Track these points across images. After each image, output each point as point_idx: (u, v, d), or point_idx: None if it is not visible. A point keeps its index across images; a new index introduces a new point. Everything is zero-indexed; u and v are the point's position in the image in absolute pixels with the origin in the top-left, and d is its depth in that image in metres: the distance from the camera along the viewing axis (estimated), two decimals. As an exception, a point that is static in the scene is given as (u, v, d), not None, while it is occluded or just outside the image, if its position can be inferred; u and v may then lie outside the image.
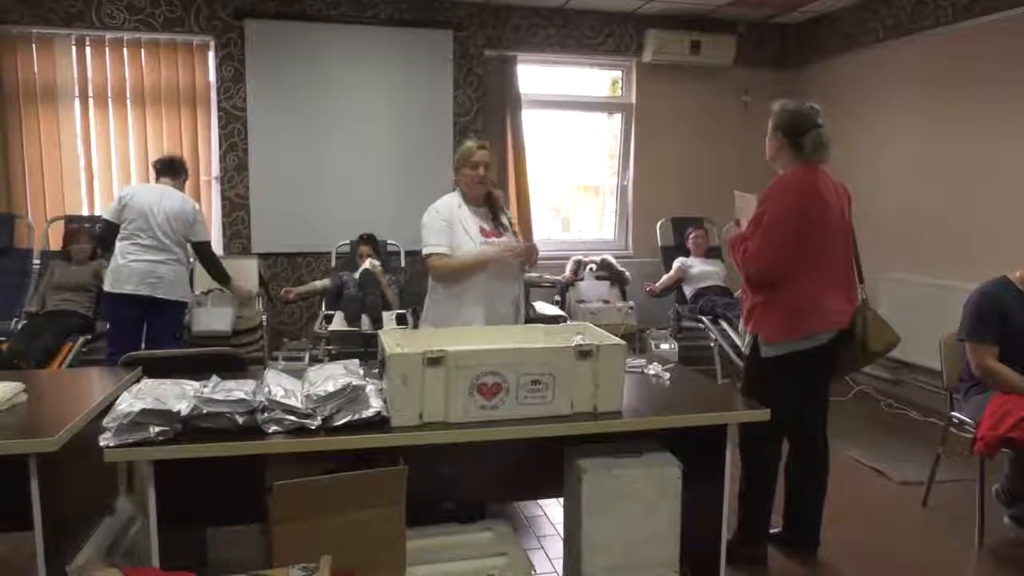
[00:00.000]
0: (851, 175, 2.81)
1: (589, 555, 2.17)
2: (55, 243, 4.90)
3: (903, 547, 2.93)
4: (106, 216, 3.95)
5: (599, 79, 6.32)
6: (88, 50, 5.13)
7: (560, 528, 2.88)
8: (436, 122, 5.60)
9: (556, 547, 2.79)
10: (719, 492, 2.25)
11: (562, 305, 5.28)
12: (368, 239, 5.07)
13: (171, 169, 4.12)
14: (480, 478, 2.54)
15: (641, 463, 2.20)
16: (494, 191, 3.10)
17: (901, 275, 4.98)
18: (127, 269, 3.84)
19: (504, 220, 3.11)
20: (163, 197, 3.97)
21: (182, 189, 4.16)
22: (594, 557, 2.17)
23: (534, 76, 5.98)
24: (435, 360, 1.99)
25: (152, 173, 4.20)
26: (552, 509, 3.14)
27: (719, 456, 2.24)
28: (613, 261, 5.64)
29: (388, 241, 5.36)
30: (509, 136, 5.77)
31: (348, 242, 5.28)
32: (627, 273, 5.65)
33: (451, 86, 5.60)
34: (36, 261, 4.90)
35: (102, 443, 1.82)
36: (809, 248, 2.51)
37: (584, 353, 2.09)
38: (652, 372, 2.60)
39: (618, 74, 6.22)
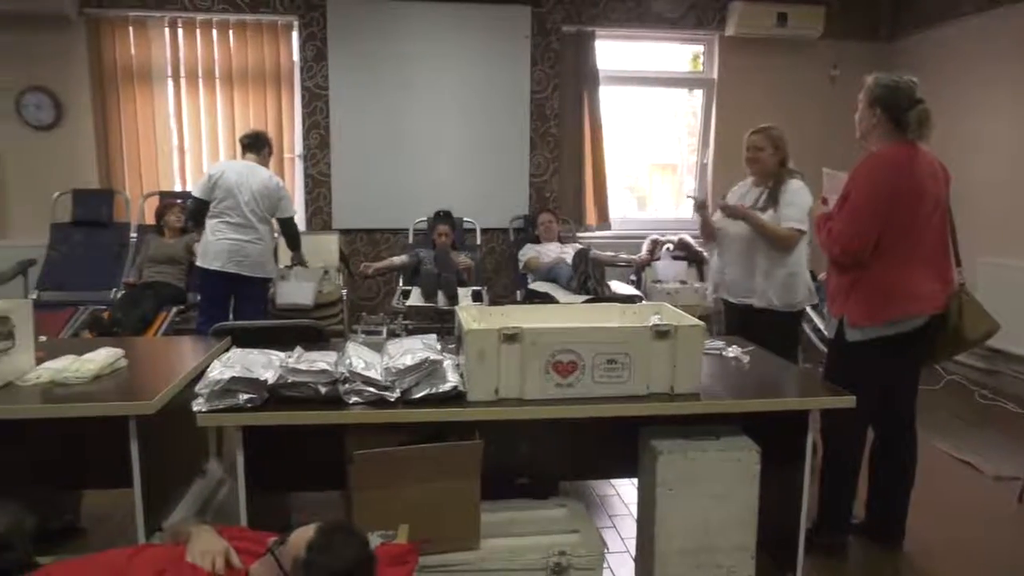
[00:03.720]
0: (947, 154, 2.65)
1: (663, 537, 2.16)
2: (150, 217, 5.14)
3: (994, 545, 2.79)
4: (196, 193, 4.10)
5: (679, 54, 6.17)
6: (180, 31, 5.33)
7: (633, 508, 2.88)
8: (513, 99, 5.58)
9: (628, 527, 2.78)
10: (798, 478, 2.20)
11: (638, 285, 5.22)
12: (445, 216, 5.12)
13: (256, 144, 4.23)
14: (553, 455, 2.55)
15: (718, 446, 2.16)
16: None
17: (1001, 259, 4.70)
18: (216, 247, 4.00)
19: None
20: (250, 175, 4.09)
21: (267, 164, 4.27)
22: (668, 539, 2.16)
23: (612, 52, 5.88)
24: (511, 336, 2.01)
25: (239, 148, 4.33)
26: (625, 489, 3.13)
27: (799, 442, 2.18)
28: (691, 241, 5.52)
29: (464, 218, 5.40)
30: (586, 113, 5.70)
31: (425, 219, 5.35)
32: (705, 253, 5.53)
33: (528, 62, 5.56)
34: (133, 235, 5.16)
35: (195, 408, 1.92)
36: (899, 229, 2.40)
37: (662, 333, 2.07)
38: (731, 354, 2.55)
39: (699, 48, 6.05)
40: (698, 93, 6.08)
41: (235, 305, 4.14)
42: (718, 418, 2.22)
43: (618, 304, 2.65)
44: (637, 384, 2.09)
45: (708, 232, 3.45)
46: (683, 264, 5.45)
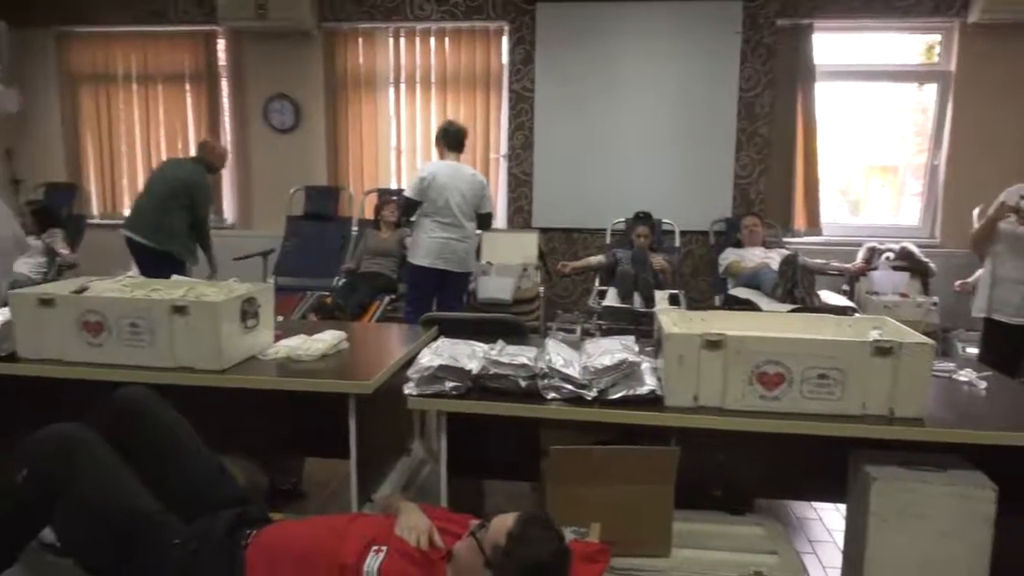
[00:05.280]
0: None
1: (874, 571, 1.98)
2: (369, 212, 5.59)
3: None
4: (409, 194, 4.36)
5: (909, 45, 5.62)
6: (402, 40, 5.73)
7: (837, 535, 2.68)
8: (719, 97, 5.39)
9: (830, 555, 2.59)
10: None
11: (851, 296, 4.84)
12: (644, 217, 5.07)
13: (459, 143, 4.40)
14: (751, 469, 2.42)
15: (945, 479, 1.94)
16: None
17: None
18: (428, 245, 4.26)
19: None
20: (457, 175, 4.28)
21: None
22: (879, 574, 1.98)
23: (831, 45, 5.48)
24: (714, 343, 1.94)
25: (434, 147, 4.52)
26: (828, 514, 2.92)
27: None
28: (915, 250, 5.03)
29: (663, 220, 5.32)
30: (799, 111, 5.38)
31: (624, 220, 5.33)
32: (931, 265, 5.02)
33: (738, 59, 5.35)
34: (354, 228, 5.64)
35: (406, 391, 2.05)
36: None
37: (883, 349, 1.90)
38: (964, 378, 2.28)
39: (935, 38, 5.48)
40: (930, 88, 5.50)
41: (439, 296, 4.39)
42: (945, 448, 2.00)
43: (831, 315, 2.47)
44: (851, 403, 1.94)
45: (987, 239, 3.06)
46: (904, 275, 4.98)
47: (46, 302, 2.26)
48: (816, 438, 1.98)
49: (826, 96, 5.49)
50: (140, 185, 6.15)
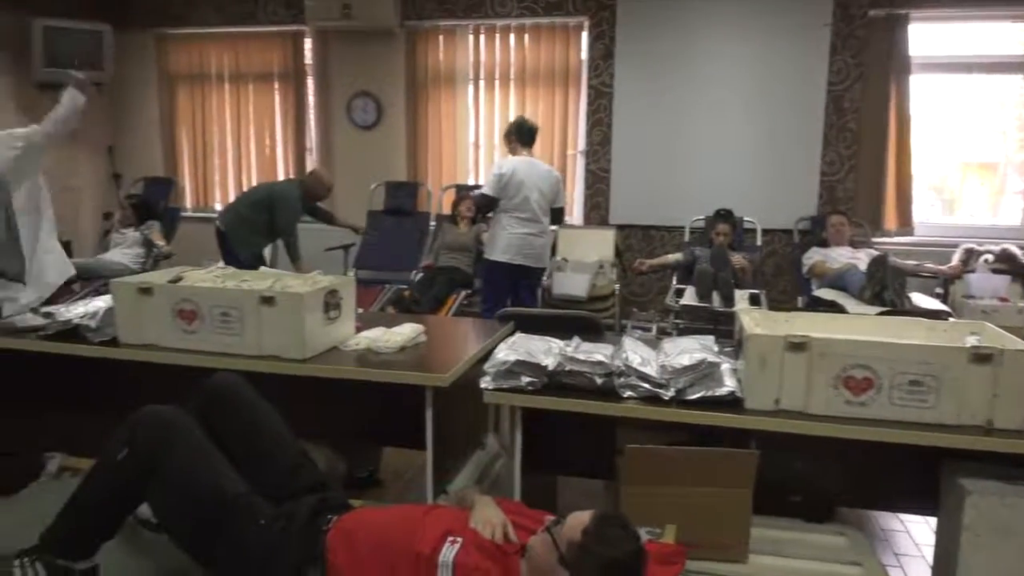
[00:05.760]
0: None
1: (966, 588, 1.89)
2: (446, 208, 5.66)
3: None
4: (488, 191, 4.40)
5: (1012, 35, 5.29)
6: (482, 37, 5.78)
7: (925, 550, 2.57)
8: (806, 92, 5.21)
9: (918, 570, 2.49)
10: None
11: (944, 299, 4.61)
12: (726, 215, 4.96)
13: (531, 139, 4.42)
14: (834, 476, 2.34)
15: (1047, 496, 1.83)
16: None
17: None
18: (506, 240, 4.29)
19: None
20: (534, 171, 4.31)
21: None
22: (972, 592, 1.88)
23: (927, 35, 5.21)
24: (798, 345, 1.88)
25: (501, 143, 4.58)
26: (916, 527, 2.79)
27: None
28: (1017, 252, 4.74)
29: (744, 218, 5.19)
30: (892, 105, 5.15)
31: (702, 217, 5.23)
32: (1036, 267, 4.72)
33: (827, 52, 5.15)
34: (432, 223, 5.72)
35: (482, 385, 2.07)
36: None
37: (983, 356, 1.80)
38: (1070, 389, 2.14)
39: (1047, 27, 5.15)
40: (1039, 80, 5.18)
41: (515, 293, 4.41)
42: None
43: (923, 319, 2.36)
44: (945, 412, 1.85)
45: None
46: (1004, 279, 4.70)
47: (145, 290, 2.38)
48: (905, 447, 1.90)
49: (921, 89, 5.24)
50: (230, 180, 6.44)
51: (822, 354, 1.88)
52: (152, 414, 1.71)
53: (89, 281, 4.89)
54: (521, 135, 4.39)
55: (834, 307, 4.14)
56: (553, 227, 4.60)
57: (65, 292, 4.66)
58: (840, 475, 2.34)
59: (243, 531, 1.63)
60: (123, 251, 5.31)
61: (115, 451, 1.68)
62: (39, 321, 2.49)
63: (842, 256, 4.70)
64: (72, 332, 2.44)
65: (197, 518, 1.65)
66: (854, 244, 4.88)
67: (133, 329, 2.41)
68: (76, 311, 2.49)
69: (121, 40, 6.02)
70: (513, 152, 4.41)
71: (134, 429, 1.69)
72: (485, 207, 4.46)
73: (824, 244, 4.92)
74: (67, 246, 5.61)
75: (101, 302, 2.54)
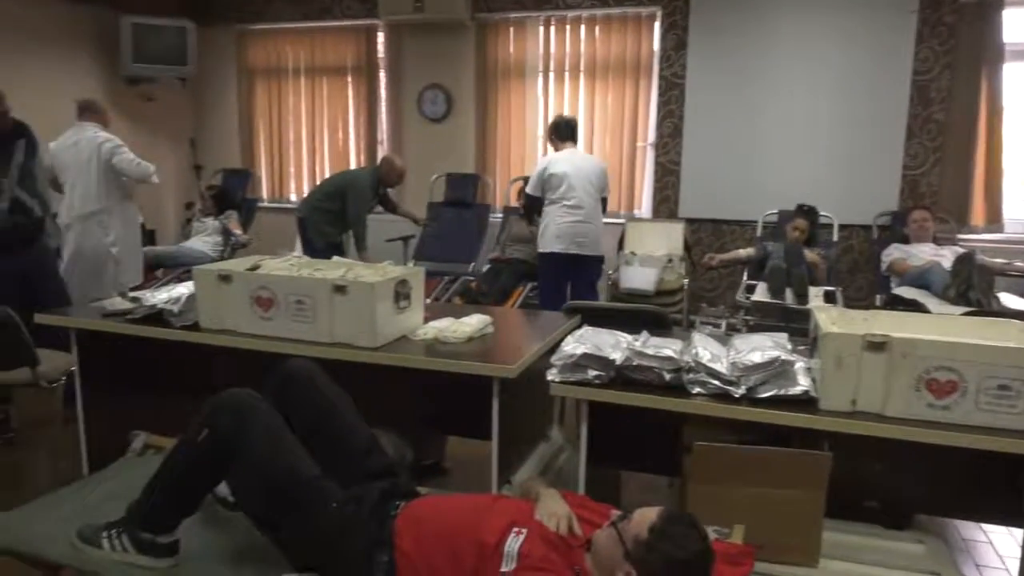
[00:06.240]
0: None
1: (1055, 605, 1.79)
2: (514, 200, 5.67)
3: None
4: (529, 190, 4.48)
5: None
6: (552, 29, 5.75)
7: (1010, 562, 2.45)
8: (889, 81, 5.01)
9: (1002, 582, 2.37)
10: None
11: (1037, 300, 4.36)
12: (807, 211, 4.79)
13: (572, 133, 4.47)
14: (912, 482, 2.25)
15: None
16: None
17: None
18: (556, 230, 4.30)
19: None
20: (577, 159, 4.36)
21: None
22: (1062, 609, 1.79)
23: (1022, 21, 4.93)
24: (877, 345, 1.82)
25: (543, 140, 4.60)
26: (1000, 538, 2.67)
27: None
28: (1119, 251, 4.46)
29: (820, 212, 5.02)
30: (982, 96, 4.90)
31: (776, 211, 5.09)
32: None
33: (912, 40, 4.94)
34: (497, 215, 5.75)
35: (549, 377, 2.07)
36: None
37: (1080, 362, 1.70)
38: None
39: None
40: None
41: (572, 284, 4.40)
42: None
43: (1013, 321, 2.24)
44: (1036, 418, 1.76)
45: None
46: (1105, 280, 4.43)
47: (224, 278, 2.47)
48: (991, 454, 1.81)
49: (1015, 79, 4.96)
50: (305, 171, 6.61)
51: (904, 355, 1.81)
52: (231, 397, 1.77)
53: (172, 268, 5.14)
54: (559, 131, 4.46)
55: (915, 306, 3.98)
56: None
57: (150, 278, 4.91)
58: (919, 481, 2.25)
59: (315, 513, 1.68)
60: (203, 239, 5.52)
61: (196, 432, 1.75)
62: (127, 305, 2.62)
63: (924, 253, 4.50)
64: (157, 316, 2.55)
65: (271, 498, 1.71)
66: (937, 241, 4.67)
67: (213, 315, 2.50)
68: (160, 296, 2.60)
69: (203, 36, 6.24)
70: (555, 149, 4.47)
71: (214, 411, 1.76)
72: (530, 208, 4.53)
73: (905, 240, 4.72)
74: (151, 234, 5.91)
75: (184, 288, 2.65)
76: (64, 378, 3.03)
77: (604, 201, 4.49)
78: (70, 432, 2.82)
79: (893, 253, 4.65)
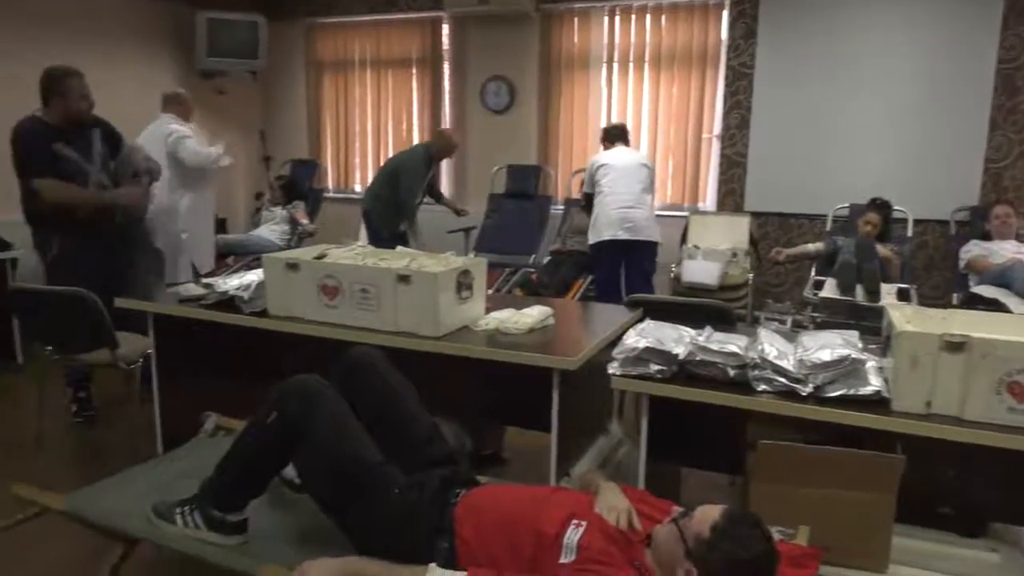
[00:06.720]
0: None
1: None
2: (575, 192, 5.64)
3: None
4: (585, 190, 4.62)
5: None
6: (617, 19, 5.69)
7: (1094, 576, 2.31)
8: (970, 70, 4.79)
9: (1086, 597, 2.24)
10: None
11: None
12: (880, 205, 4.62)
13: (623, 136, 4.64)
14: (989, 489, 2.16)
15: None
16: None
17: None
18: (605, 219, 4.35)
19: None
20: (623, 152, 4.51)
21: None
22: None
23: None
24: (956, 345, 1.74)
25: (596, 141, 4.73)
26: (1084, 550, 2.53)
27: None
28: None
29: (894, 207, 4.84)
30: (1075, 85, 4.64)
31: (847, 205, 4.93)
32: None
33: (998, 26, 4.71)
34: (558, 207, 5.74)
35: (610, 371, 2.06)
36: None
37: None
38: None
39: None
40: None
41: (626, 274, 4.40)
42: None
43: (1105, 323, 2.12)
44: None
45: None
46: None
47: (292, 266, 2.53)
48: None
49: (1112, 66, 4.69)
50: (370, 162, 6.72)
51: (984, 356, 1.73)
52: (299, 383, 1.82)
53: (241, 256, 5.29)
54: (608, 136, 4.70)
55: (995, 305, 3.81)
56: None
57: (221, 265, 5.07)
58: (995, 487, 2.15)
59: (378, 498, 1.71)
60: (271, 228, 5.67)
61: (265, 415, 1.81)
62: (200, 291, 2.71)
63: (1006, 251, 4.30)
64: (228, 302, 2.63)
65: (336, 482, 1.75)
66: (1020, 238, 4.45)
67: (281, 302, 2.57)
68: (232, 283, 2.69)
69: (274, 30, 6.39)
70: (605, 150, 4.65)
71: (283, 396, 1.81)
72: (588, 205, 4.56)
73: (986, 237, 4.52)
74: (222, 223, 6.10)
75: (253, 275, 2.73)
76: (141, 360, 3.16)
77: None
78: (146, 412, 2.94)
79: (973, 250, 4.45)
